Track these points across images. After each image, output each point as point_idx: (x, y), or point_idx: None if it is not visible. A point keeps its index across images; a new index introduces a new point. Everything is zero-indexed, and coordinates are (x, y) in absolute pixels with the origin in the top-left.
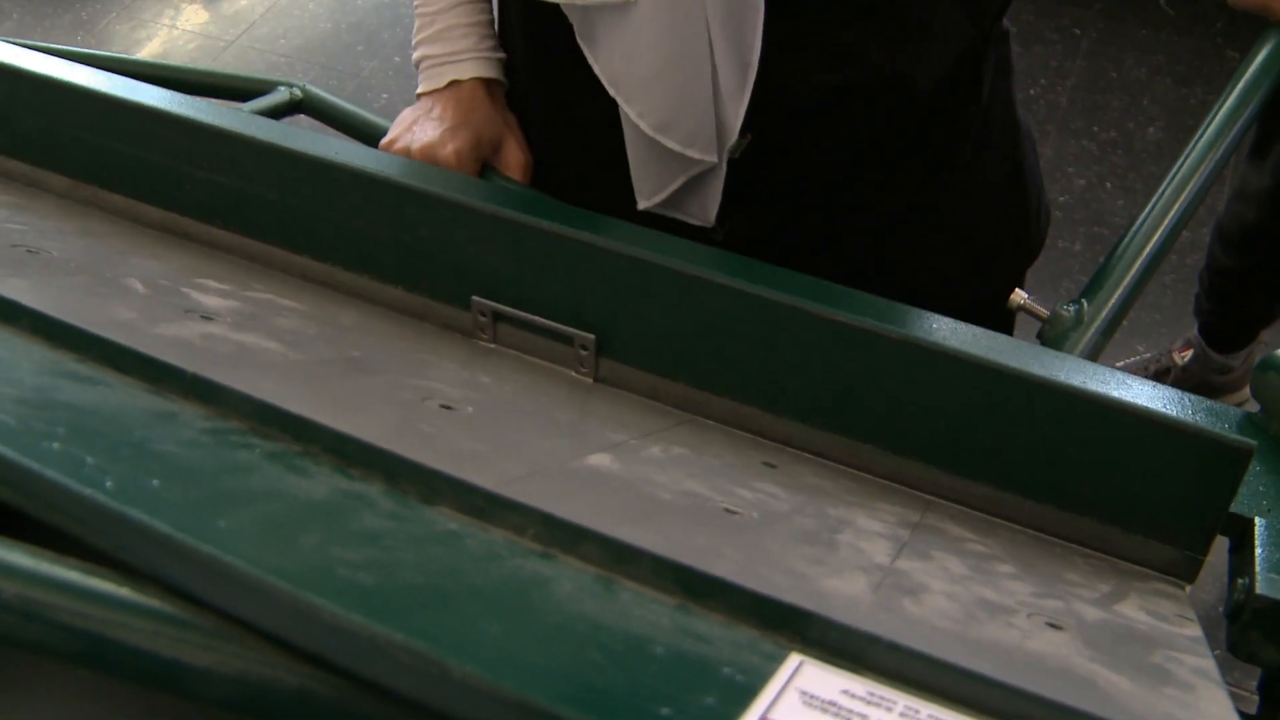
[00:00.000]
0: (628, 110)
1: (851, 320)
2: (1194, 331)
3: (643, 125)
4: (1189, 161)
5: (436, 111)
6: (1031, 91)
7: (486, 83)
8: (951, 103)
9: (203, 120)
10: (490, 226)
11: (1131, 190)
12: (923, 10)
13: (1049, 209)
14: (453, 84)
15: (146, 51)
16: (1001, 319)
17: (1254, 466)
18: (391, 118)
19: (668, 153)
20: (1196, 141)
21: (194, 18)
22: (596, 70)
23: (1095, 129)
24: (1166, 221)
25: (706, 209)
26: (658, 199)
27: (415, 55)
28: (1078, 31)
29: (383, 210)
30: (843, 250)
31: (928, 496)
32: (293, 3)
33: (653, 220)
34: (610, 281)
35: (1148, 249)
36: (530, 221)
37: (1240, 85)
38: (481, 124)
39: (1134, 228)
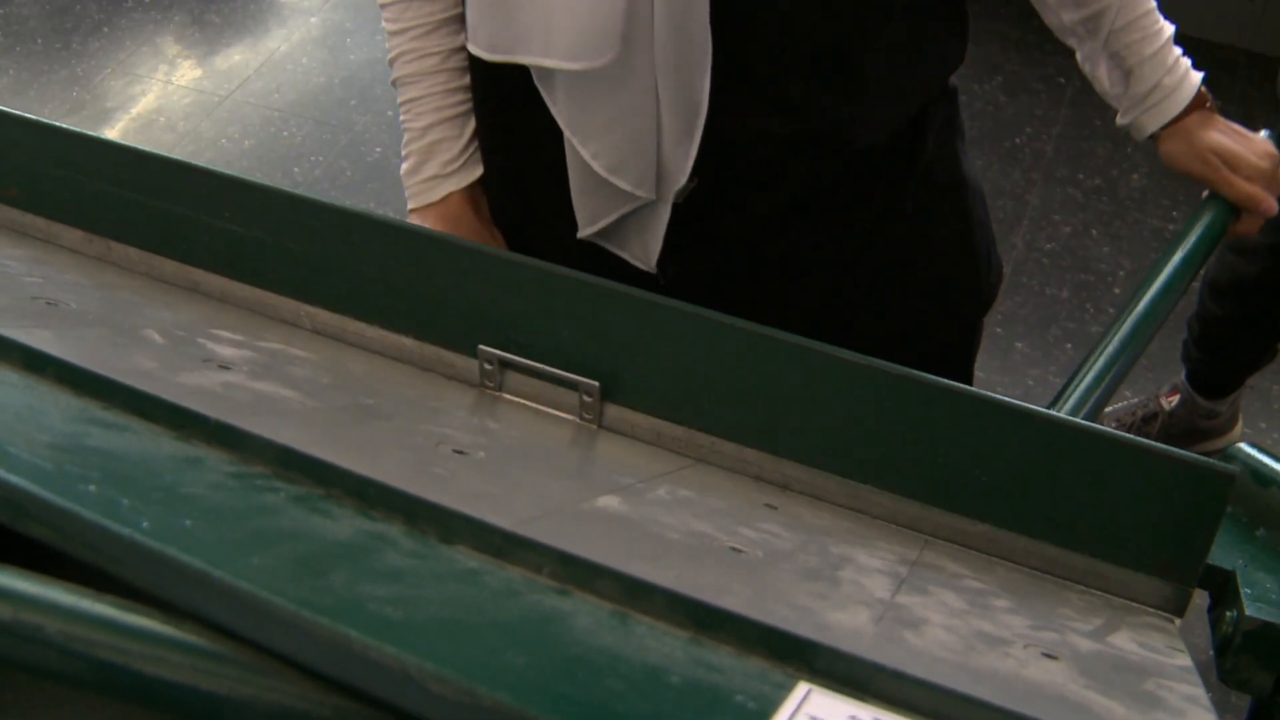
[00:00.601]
0: (582, 152)
1: (854, 359)
2: (1181, 377)
3: (596, 166)
4: (1140, 307)
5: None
6: (1017, 140)
7: (472, 195)
8: (893, 158)
9: (232, 171)
10: (501, 271)
11: (1117, 237)
12: (866, 70)
13: (1001, 263)
14: (444, 198)
15: (141, 107)
16: (957, 371)
17: (1224, 536)
18: (385, 172)
19: (609, 186)
20: (1140, 296)
21: (189, 73)
22: (554, 114)
23: (1080, 176)
24: (1119, 363)
25: (648, 249)
26: (597, 227)
27: (405, 167)
28: (1062, 80)
29: (400, 258)
30: (789, 301)
31: (925, 535)
32: (286, 58)
33: (597, 268)
34: (616, 325)
35: (1101, 386)
36: (540, 266)
37: (1180, 253)
38: (468, 235)
39: (1091, 359)
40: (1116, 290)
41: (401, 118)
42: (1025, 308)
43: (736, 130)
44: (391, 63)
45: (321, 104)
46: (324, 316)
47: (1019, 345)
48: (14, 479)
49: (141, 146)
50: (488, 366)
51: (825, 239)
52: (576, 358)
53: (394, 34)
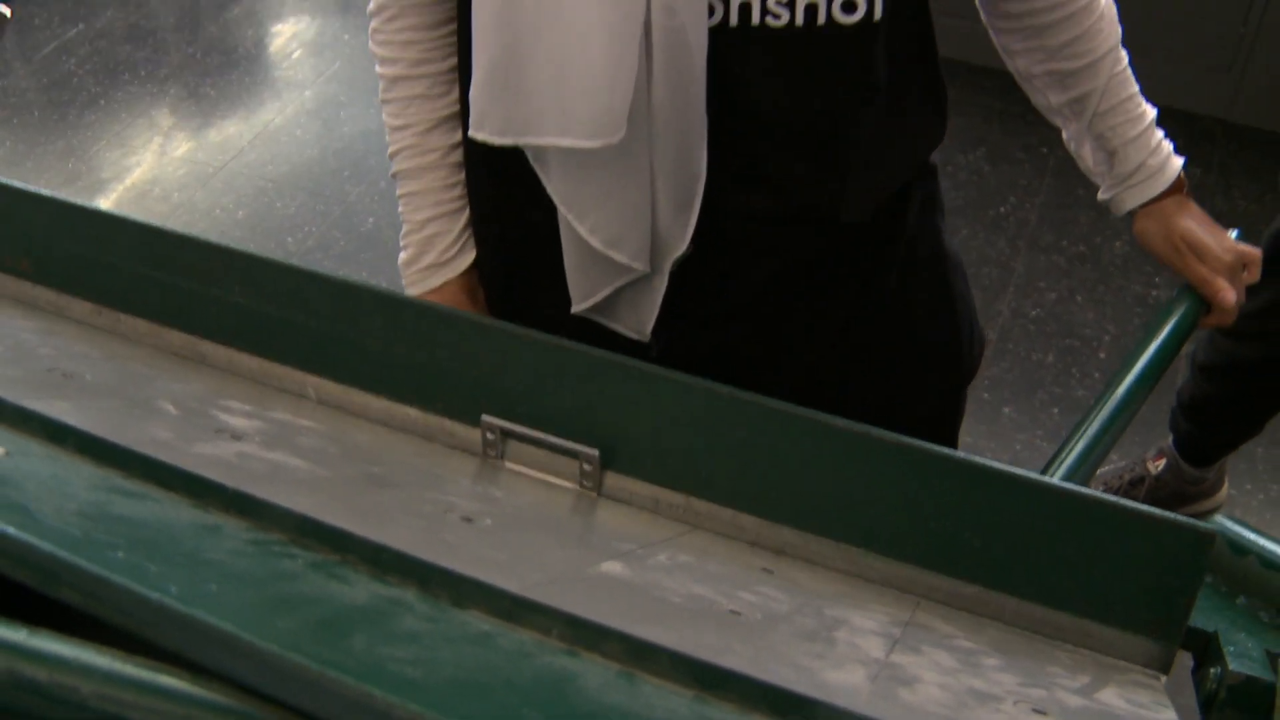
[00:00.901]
0: (578, 227)
1: (846, 426)
2: (1169, 442)
3: (593, 241)
4: (1117, 395)
5: None
6: (1001, 209)
7: (468, 282)
8: (876, 234)
9: (243, 247)
10: (503, 343)
11: (1101, 302)
12: (851, 148)
13: (983, 335)
14: (440, 285)
15: (136, 178)
16: (941, 437)
17: (1206, 602)
18: (377, 242)
19: (604, 259)
20: (1116, 385)
21: (183, 144)
22: (549, 190)
23: (1064, 244)
24: (1095, 451)
25: (642, 321)
26: (591, 302)
27: (403, 257)
28: (1044, 150)
29: (405, 330)
30: (777, 370)
31: (917, 597)
32: (280, 129)
33: (589, 340)
34: (614, 395)
35: (1079, 472)
36: (540, 337)
37: (1154, 343)
38: None
39: (1068, 445)
40: (1102, 355)
41: (400, 209)
42: (1012, 373)
43: (727, 204)
44: (392, 156)
45: (315, 175)
46: (329, 388)
47: (1006, 410)
48: (47, 546)
49: (149, 221)
50: (490, 436)
51: (812, 312)
52: (576, 426)
53: (395, 129)
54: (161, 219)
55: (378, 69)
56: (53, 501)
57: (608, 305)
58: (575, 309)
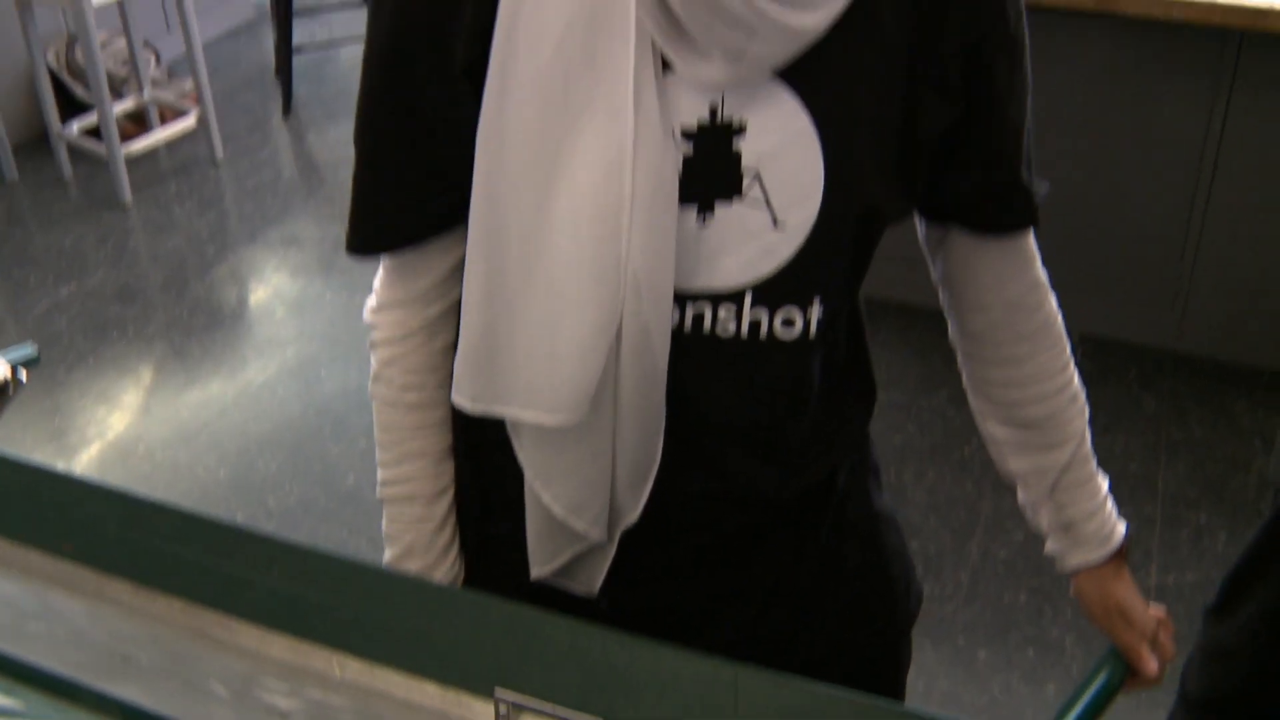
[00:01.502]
0: (542, 494)
1: (839, 694)
2: None
3: (555, 509)
4: None
5: None
6: (966, 450)
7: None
8: (808, 502)
9: (283, 537)
10: (517, 622)
11: None
12: (790, 442)
13: (921, 588)
14: None
15: (120, 435)
16: (885, 684)
17: None
18: (358, 500)
19: (563, 527)
20: None
21: (168, 402)
22: (520, 459)
23: None
24: None
25: (592, 581)
26: (550, 568)
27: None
28: None
29: (425, 611)
30: (717, 624)
31: None
32: (262, 388)
33: (542, 595)
34: (619, 668)
35: None
36: (548, 617)
37: (1079, 706)
38: None
39: None
40: (1072, 594)
41: (392, 529)
42: (985, 615)
43: (674, 483)
44: (391, 482)
45: (296, 433)
46: (353, 665)
47: (981, 654)
48: None
49: (194, 510)
50: (503, 710)
51: (748, 571)
52: (583, 698)
53: (410, 456)
54: (145, 477)
55: (396, 395)
56: None
57: (563, 568)
58: (535, 575)
